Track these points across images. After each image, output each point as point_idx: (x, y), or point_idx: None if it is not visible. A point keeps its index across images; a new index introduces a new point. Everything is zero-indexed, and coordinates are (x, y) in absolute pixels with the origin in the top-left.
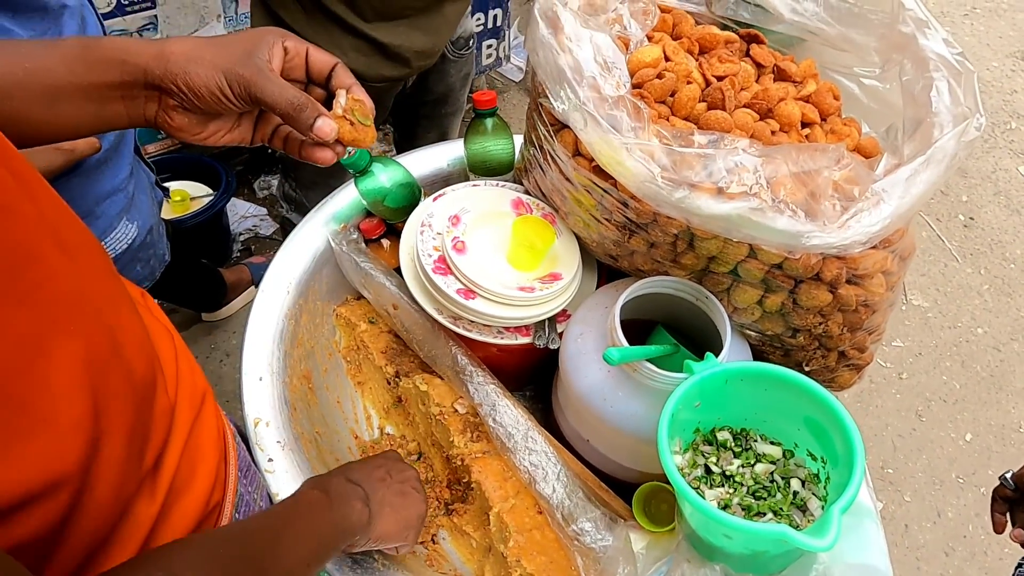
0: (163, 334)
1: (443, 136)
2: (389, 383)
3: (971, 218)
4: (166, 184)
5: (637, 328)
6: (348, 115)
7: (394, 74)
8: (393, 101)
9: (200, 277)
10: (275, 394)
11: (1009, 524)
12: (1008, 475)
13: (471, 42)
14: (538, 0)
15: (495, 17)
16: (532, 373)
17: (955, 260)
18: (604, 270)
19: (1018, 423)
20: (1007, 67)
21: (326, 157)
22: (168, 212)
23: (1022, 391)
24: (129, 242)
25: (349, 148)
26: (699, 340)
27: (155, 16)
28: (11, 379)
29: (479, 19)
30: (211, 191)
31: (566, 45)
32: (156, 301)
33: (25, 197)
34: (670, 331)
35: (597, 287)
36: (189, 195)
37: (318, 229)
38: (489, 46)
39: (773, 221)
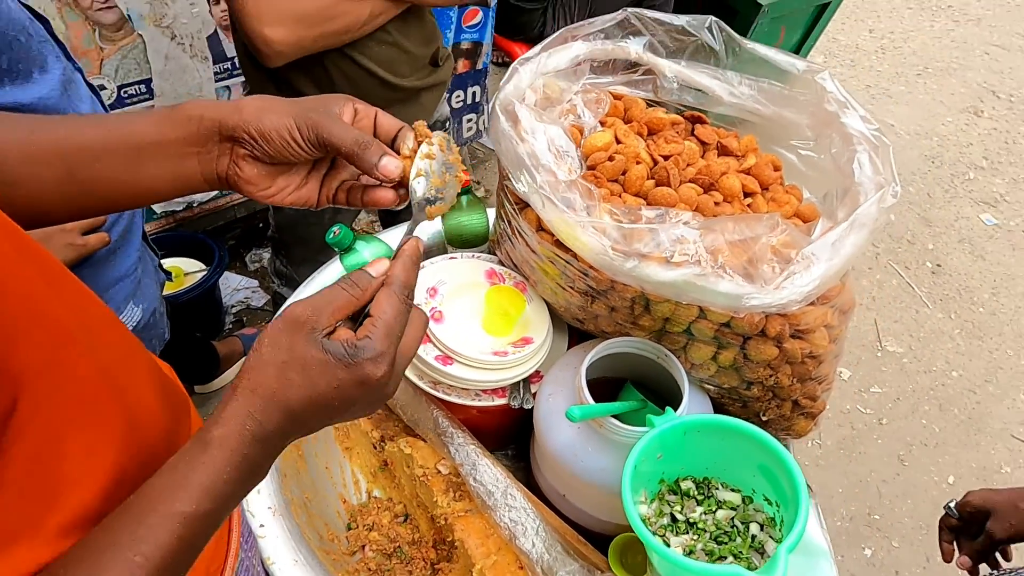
0: (182, 408)
1: None
2: (375, 447)
3: (938, 265)
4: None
5: (609, 385)
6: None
7: None
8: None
9: (194, 350)
10: None
11: (956, 552)
12: (952, 504)
13: (447, 124)
14: (498, 96)
15: (474, 93)
16: (512, 432)
17: (926, 306)
18: (575, 333)
19: (998, 464)
20: (961, 121)
21: (388, 198)
22: (168, 287)
23: (1000, 432)
24: (134, 324)
25: (333, 228)
26: (665, 395)
27: (153, 107)
28: (40, 460)
29: (459, 96)
30: (204, 266)
31: (524, 136)
32: None
33: (52, 295)
34: (639, 387)
35: (568, 349)
36: (183, 271)
37: None
38: (469, 120)
39: (716, 285)
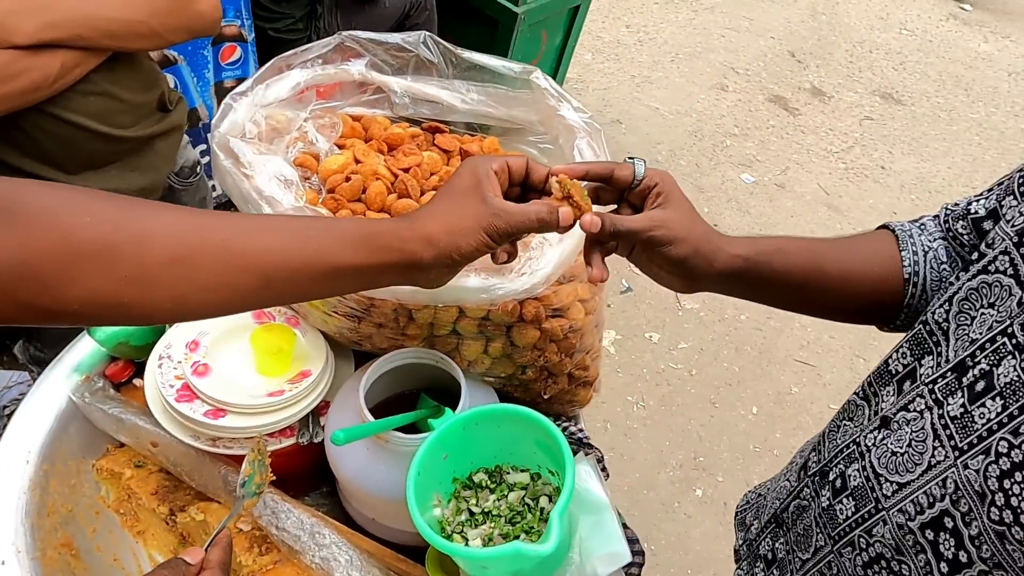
0: None
1: None
2: (167, 523)
3: (715, 225)
4: None
5: (408, 398)
6: (566, 195)
7: None
8: None
9: None
10: (24, 575)
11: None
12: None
13: (198, 168)
14: (213, 134)
15: None
16: (322, 470)
17: None
18: (359, 354)
19: (788, 387)
20: (712, 97)
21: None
22: None
23: (785, 359)
24: None
25: None
26: (457, 396)
27: None
28: None
29: None
30: None
31: (246, 172)
32: None
33: None
34: (434, 392)
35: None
36: None
37: (58, 387)
38: None
39: (464, 282)
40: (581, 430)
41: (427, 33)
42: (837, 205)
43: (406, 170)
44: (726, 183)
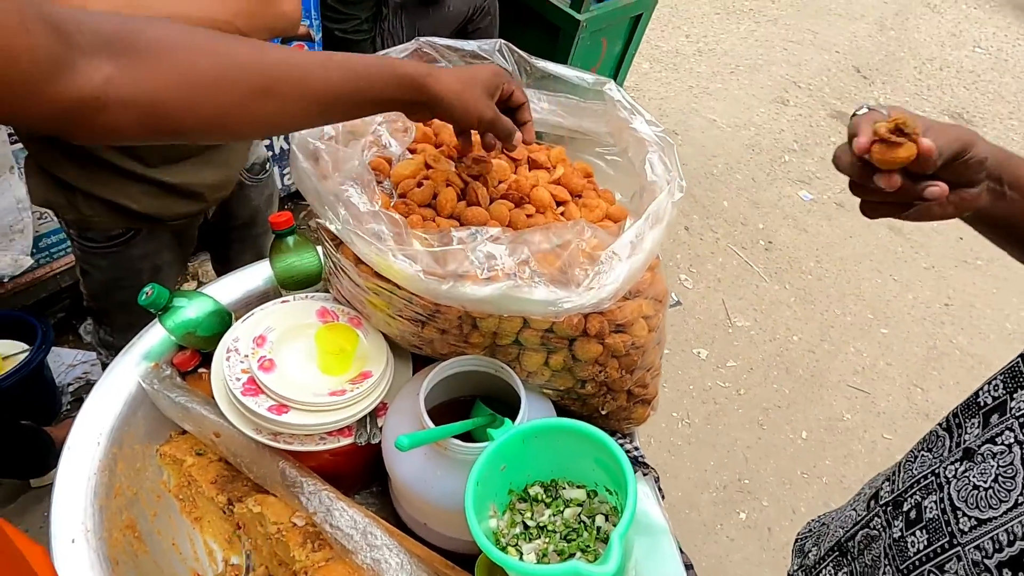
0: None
1: (260, 255)
2: (224, 512)
3: (770, 242)
4: None
5: (464, 404)
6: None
7: (190, 210)
8: (200, 231)
9: (22, 441)
10: (92, 554)
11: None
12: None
13: (267, 165)
14: (295, 136)
15: None
16: (373, 469)
17: (764, 280)
18: (419, 358)
19: (840, 414)
20: (772, 111)
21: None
22: None
23: (838, 384)
24: None
25: (146, 288)
26: (514, 406)
27: None
28: None
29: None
30: (27, 346)
31: (324, 173)
32: None
33: None
34: (492, 402)
35: (414, 375)
36: (1, 355)
37: (129, 372)
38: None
39: (531, 294)
40: (637, 448)
41: (503, 41)
42: (899, 227)
43: (476, 177)
44: (783, 199)
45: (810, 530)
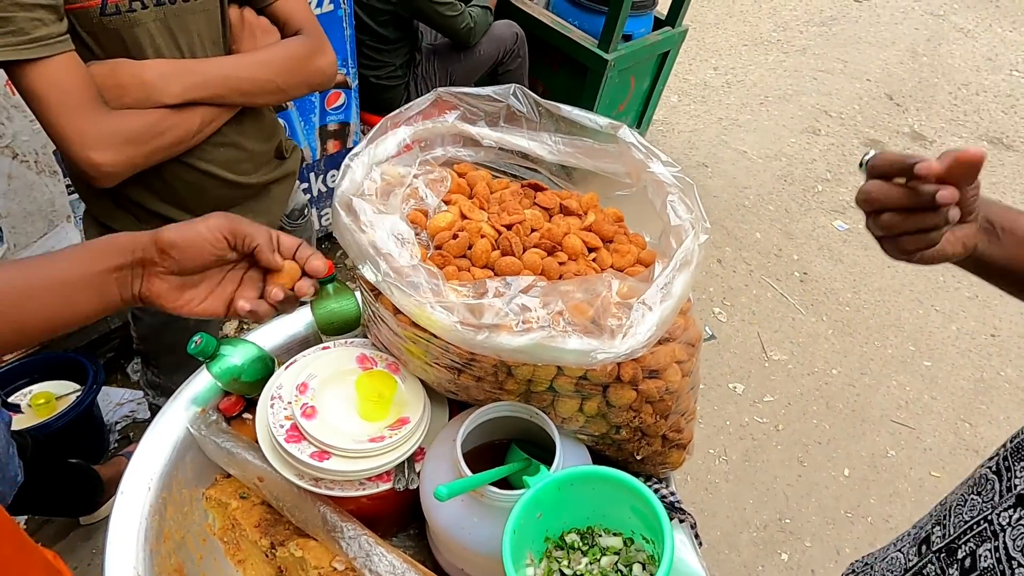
0: None
1: (299, 297)
2: (267, 555)
3: (805, 273)
4: (28, 388)
5: (499, 448)
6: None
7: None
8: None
9: (71, 479)
10: None
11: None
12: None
13: (306, 211)
14: (336, 193)
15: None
16: (410, 512)
17: (800, 312)
18: (455, 402)
19: (884, 450)
20: (803, 141)
21: (292, 308)
22: (31, 418)
23: (880, 419)
24: None
25: (195, 337)
26: (549, 450)
27: (0, 228)
28: None
29: (333, 175)
30: (78, 386)
31: (364, 228)
32: (23, 518)
33: None
34: (528, 445)
35: (450, 420)
36: (54, 395)
37: (177, 417)
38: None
39: (564, 344)
40: (673, 493)
41: (516, 85)
42: None
43: (509, 227)
44: (817, 230)
45: (853, 571)
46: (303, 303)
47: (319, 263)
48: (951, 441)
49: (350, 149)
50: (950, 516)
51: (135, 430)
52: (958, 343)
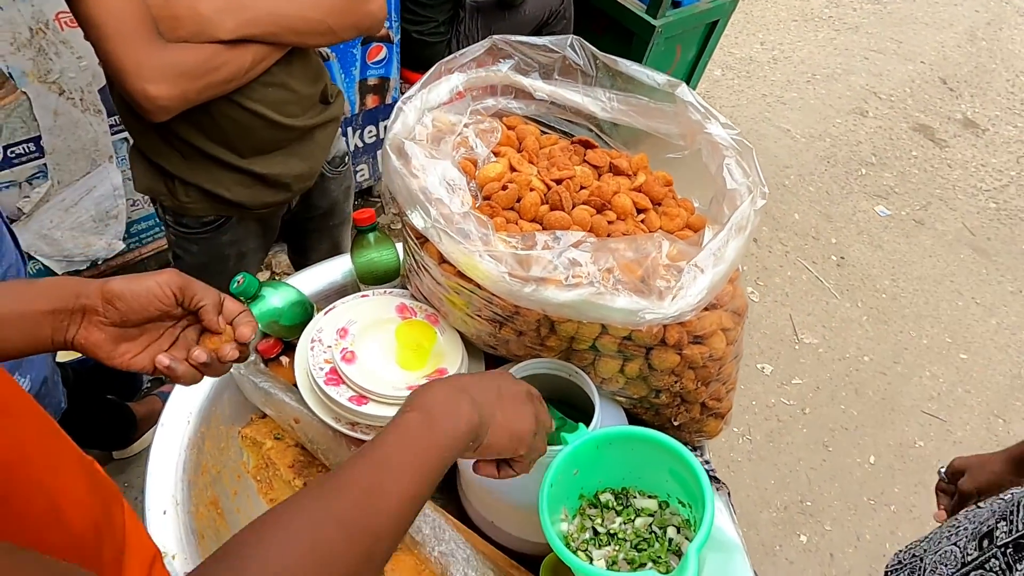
0: (112, 498)
1: (335, 245)
2: None
3: (842, 257)
4: None
5: None
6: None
7: (277, 199)
8: (281, 221)
9: (107, 415)
10: (181, 526)
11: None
12: (942, 469)
13: (347, 159)
14: (387, 137)
15: (385, 128)
16: None
17: (835, 297)
18: (491, 358)
19: (912, 440)
20: (849, 122)
21: (231, 354)
22: (68, 353)
23: (911, 409)
24: None
25: (237, 277)
26: (584, 411)
27: (44, 164)
28: None
29: (371, 131)
30: None
31: (416, 172)
32: None
33: None
34: (560, 405)
35: None
36: None
37: None
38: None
39: (612, 302)
40: (708, 462)
41: (574, 36)
42: (984, 248)
43: (559, 182)
44: (858, 214)
45: (900, 562)
46: (230, 367)
47: (247, 330)
48: (983, 435)
49: (389, 105)
50: (1017, 512)
51: None
52: (997, 338)
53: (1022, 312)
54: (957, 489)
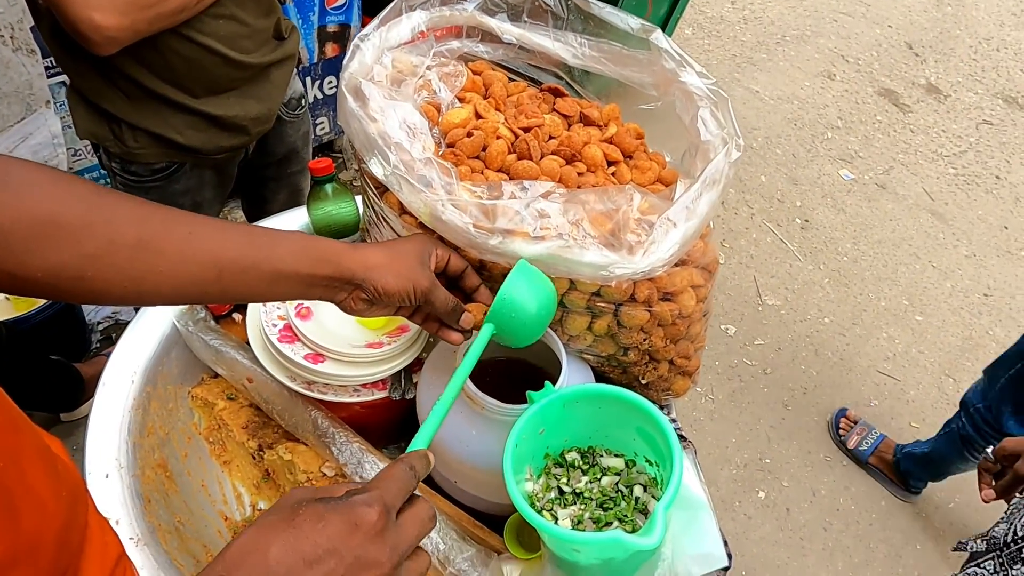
0: (78, 495)
1: (293, 195)
2: (254, 458)
3: (806, 220)
4: None
5: (499, 365)
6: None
7: (233, 143)
8: (238, 169)
9: (52, 375)
10: (125, 490)
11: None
12: (990, 450)
13: (303, 101)
14: (343, 76)
15: None
16: (402, 425)
17: (798, 259)
18: None
19: (867, 399)
20: (817, 85)
21: (458, 338)
22: (9, 311)
23: (867, 369)
24: None
25: None
26: (553, 370)
27: None
28: None
29: (331, 81)
30: None
31: (374, 116)
32: None
33: None
34: (530, 364)
35: None
36: None
37: (164, 312)
38: None
39: (581, 256)
40: (674, 420)
41: None
42: (942, 212)
43: (527, 130)
44: (823, 177)
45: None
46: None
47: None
48: (934, 395)
49: None
50: None
51: (118, 331)
52: (951, 300)
53: (975, 276)
54: (1012, 471)
